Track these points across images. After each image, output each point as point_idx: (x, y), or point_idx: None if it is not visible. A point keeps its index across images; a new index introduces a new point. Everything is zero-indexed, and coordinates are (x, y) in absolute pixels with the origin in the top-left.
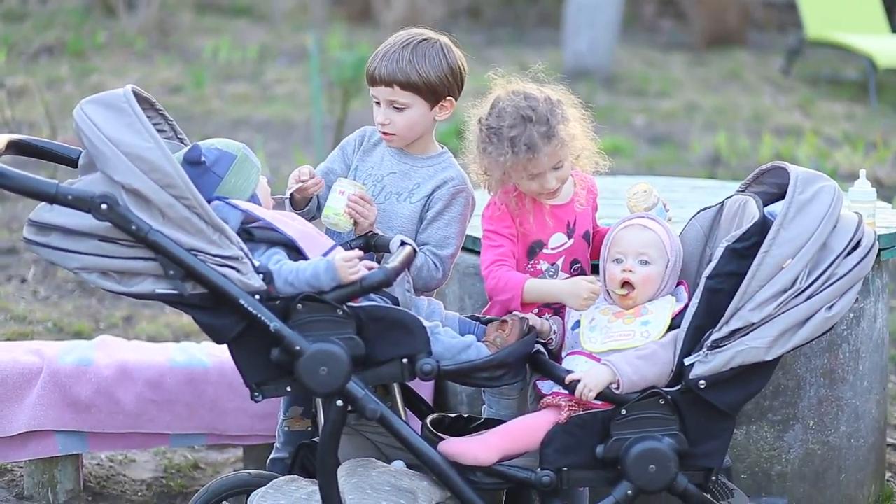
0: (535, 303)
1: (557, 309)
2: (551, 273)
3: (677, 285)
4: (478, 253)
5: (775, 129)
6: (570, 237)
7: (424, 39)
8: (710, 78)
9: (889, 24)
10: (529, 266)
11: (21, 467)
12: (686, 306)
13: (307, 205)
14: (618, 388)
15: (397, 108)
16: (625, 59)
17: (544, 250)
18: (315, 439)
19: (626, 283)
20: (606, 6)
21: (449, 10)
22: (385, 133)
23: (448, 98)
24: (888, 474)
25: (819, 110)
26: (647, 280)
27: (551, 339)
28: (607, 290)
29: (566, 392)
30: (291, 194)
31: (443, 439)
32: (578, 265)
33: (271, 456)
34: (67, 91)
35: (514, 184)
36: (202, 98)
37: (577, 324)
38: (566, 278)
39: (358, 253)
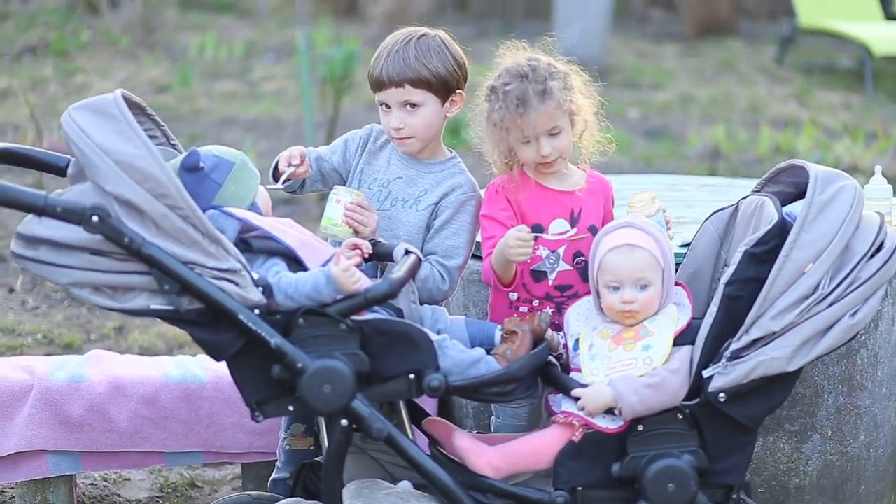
0: (510, 276)
1: (561, 302)
2: (552, 261)
3: (675, 285)
4: (479, 258)
5: (773, 121)
6: (573, 226)
7: (424, 34)
8: (703, 68)
9: (883, 11)
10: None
11: (12, 489)
12: (689, 324)
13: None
14: (619, 414)
15: (410, 110)
16: (616, 51)
17: (544, 235)
18: (318, 459)
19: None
20: None
21: (436, 2)
22: (401, 138)
23: (458, 91)
24: None
25: (815, 100)
26: (649, 303)
27: (562, 352)
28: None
29: (577, 413)
30: (275, 167)
31: (452, 459)
32: (582, 258)
33: (272, 476)
34: (52, 92)
35: (513, 153)
36: (189, 97)
37: (577, 344)
38: (568, 270)
39: (356, 261)
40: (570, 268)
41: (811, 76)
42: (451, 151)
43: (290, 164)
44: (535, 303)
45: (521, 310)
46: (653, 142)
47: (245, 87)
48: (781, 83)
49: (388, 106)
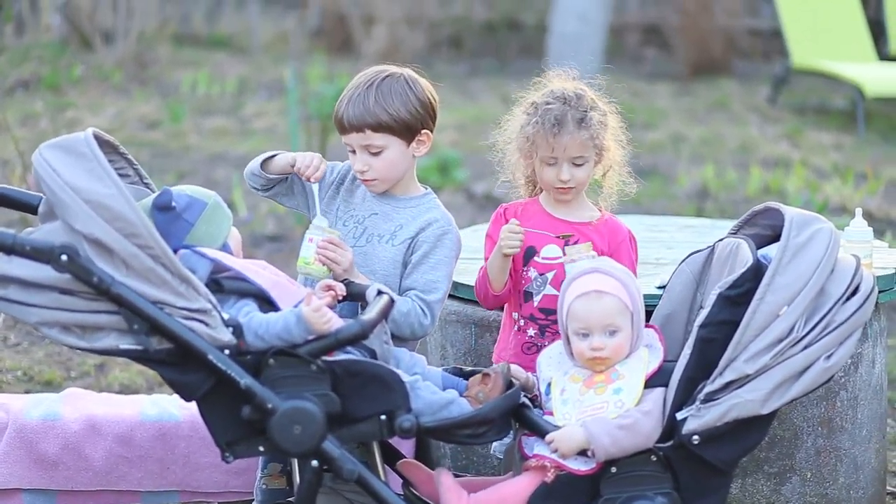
0: (501, 283)
1: (545, 325)
2: (539, 283)
3: (647, 327)
4: (460, 299)
5: (763, 161)
6: (565, 254)
7: (388, 76)
8: (695, 108)
9: (876, 52)
10: (523, 272)
11: None
12: (660, 366)
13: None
14: (592, 456)
15: (373, 153)
16: (609, 90)
17: (535, 258)
18: (291, 499)
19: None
20: (589, 36)
21: (430, 40)
22: (365, 180)
23: (424, 131)
24: None
25: (807, 140)
26: (619, 348)
27: (536, 394)
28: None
29: (549, 456)
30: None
31: (424, 501)
32: None
33: None
34: (42, 127)
35: (532, 169)
36: (179, 133)
37: (549, 389)
38: (554, 295)
39: (327, 300)
40: (556, 293)
41: (804, 116)
42: (426, 188)
43: (307, 167)
44: (522, 322)
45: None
46: (642, 181)
47: (236, 124)
48: (773, 123)
49: (353, 149)
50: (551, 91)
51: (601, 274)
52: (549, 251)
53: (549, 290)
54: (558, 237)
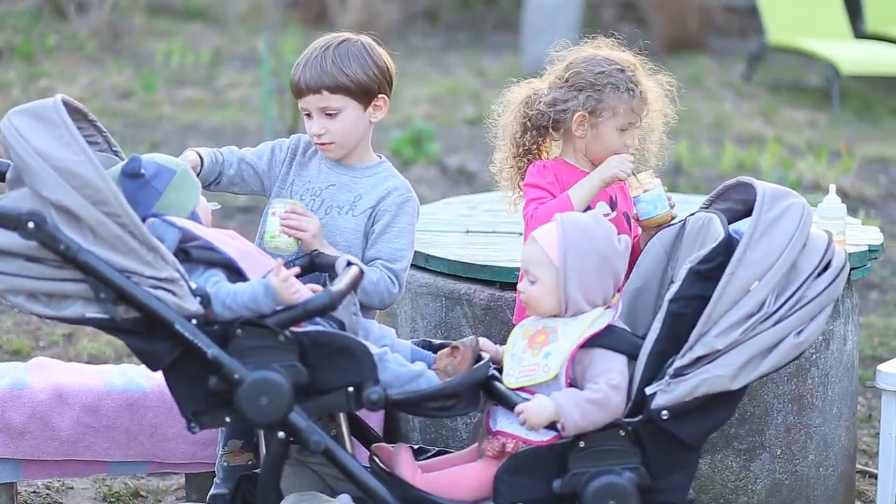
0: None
1: None
2: None
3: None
4: (431, 271)
5: (737, 138)
6: (612, 209)
7: (345, 40)
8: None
9: (852, 30)
10: None
11: None
12: (604, 329)
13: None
14: (561, 429)
15: (330, 115)
16: None
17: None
18: (258, 471)
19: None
20: (566, 10)
21: (405, 13)
22: (322, 144)
23: (380, 96)
24: (857, 503)
25: (781, 117)
26: (534, 298)
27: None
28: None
29: (510, 432)
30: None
31: (391, 473)
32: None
33: (211, 492)
34: (15, 96)
35: (585, 134)
36: (153, 103)
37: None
38: None
39: (295, 270)
40: None
41: (778, 94)
42: (381, 156)
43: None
44: None
45: None
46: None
47: (209, 95)
48: (748, 100)
49: (309, 113)
50: (610, 59)
51: (554, 225)
52: (600, 208)
53: None
54: (610, 200)
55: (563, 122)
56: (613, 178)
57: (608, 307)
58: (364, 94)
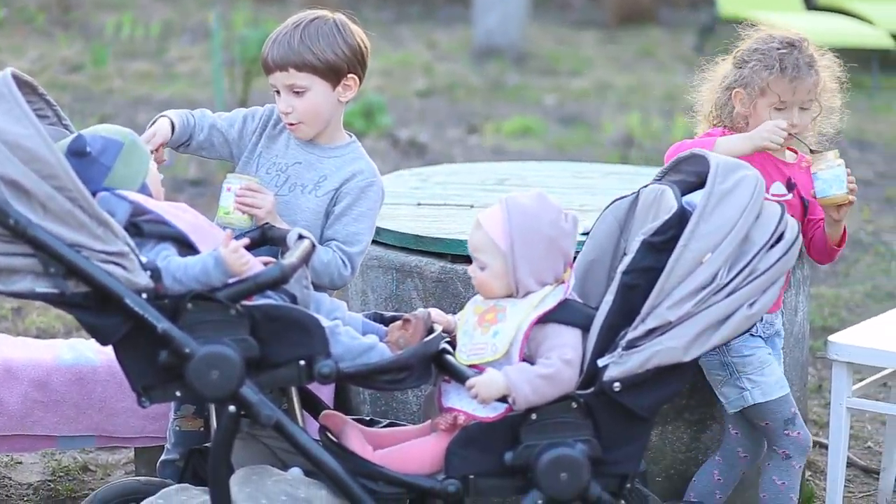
0: None
1: None
2: None
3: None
4: (382, 244)
5: (688, 109)
6: (789, 191)
7: (317, 17)
8: (622, 56)
9: (804, 2)
10: None
11: None
12: (553, 309)
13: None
14: (512, 403)
15: (297, 93)
16: (536, 37)
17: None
18: (207, 444)
19: None
20: None
21: None
22: (290, 123)
23: (350, 75)
24: (808, 473)
25: None
26: (485, 284)
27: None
28: None
29: (460, 409)
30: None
31: (342, 446)
32: None
33: (162, 457)
34: None
35: (748, 112)
36: (103, 77)
37: None
38: None
39: (244, 241)
40: None
41: None
42: (351, 136)
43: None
44: None
45: None
46: (567, 128)
47: (160, 68)
48: (699, 72)
49: (278, 90)
50: (772, 37)
51: (498, 208)
52: (776, 188)
53: None
54: (787, 182)
55: (730, 99)
56: (762, 144)
57: (560, 283)
58: (332, 73)
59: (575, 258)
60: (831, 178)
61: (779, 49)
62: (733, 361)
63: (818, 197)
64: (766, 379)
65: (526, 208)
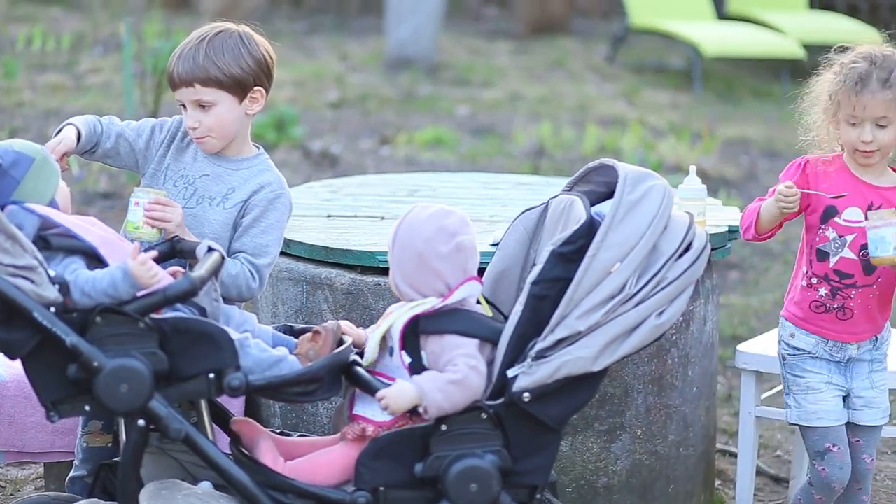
0: (768, 226)
1: (837, 288)
2: (837, 245)
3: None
4: (292, 256)
5: (600, 120)
6: (867, 218)
7: (221, 31)
8: (534, 66)
9: (714, 11)
10: (820, 230)
11: None
12: (452, 313)
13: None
14: (424, 412)
15: (203, 108)
16: (448, 48)
17: (836, 218)
18: (117, 459)
19: None
20: None
21: None
22: (198, 137)
23: (257, 88)
24: (718, 482)
25: (644, 99)
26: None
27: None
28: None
29: (368, 418)
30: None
31: (253, 459)
32: (867, 251)
33: (70, 474)
34: None
35: (834, 133)
36: (13, 89)
37: None
38: (851, 259)
39: (152, 254)
40: (854, 257)
41: (641, 75)
42: (259, 148)
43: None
44: (814, 280)
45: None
46: (479, 139)
47: (71, 80)
48: (611, 82)
49: (184, 105)
50: (859, 51)
51: (403, 214)
52: (852, 214)
53: (847, 253)
54: (868, 207)
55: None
56: (777, 209)
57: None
58: (238, 87)
59: (484, 270)
60: (877, 238)
61: (853, 62)
62: (787, 377)
63: (871, 256)
64: (807, 406)
65: (413, 221)
